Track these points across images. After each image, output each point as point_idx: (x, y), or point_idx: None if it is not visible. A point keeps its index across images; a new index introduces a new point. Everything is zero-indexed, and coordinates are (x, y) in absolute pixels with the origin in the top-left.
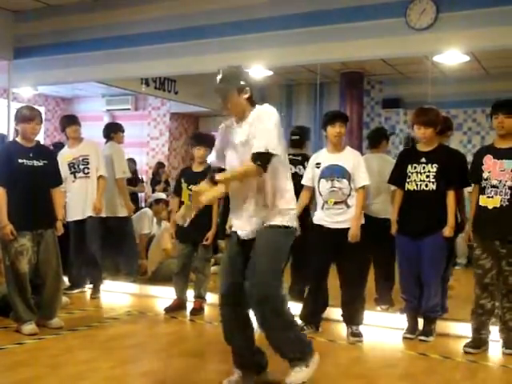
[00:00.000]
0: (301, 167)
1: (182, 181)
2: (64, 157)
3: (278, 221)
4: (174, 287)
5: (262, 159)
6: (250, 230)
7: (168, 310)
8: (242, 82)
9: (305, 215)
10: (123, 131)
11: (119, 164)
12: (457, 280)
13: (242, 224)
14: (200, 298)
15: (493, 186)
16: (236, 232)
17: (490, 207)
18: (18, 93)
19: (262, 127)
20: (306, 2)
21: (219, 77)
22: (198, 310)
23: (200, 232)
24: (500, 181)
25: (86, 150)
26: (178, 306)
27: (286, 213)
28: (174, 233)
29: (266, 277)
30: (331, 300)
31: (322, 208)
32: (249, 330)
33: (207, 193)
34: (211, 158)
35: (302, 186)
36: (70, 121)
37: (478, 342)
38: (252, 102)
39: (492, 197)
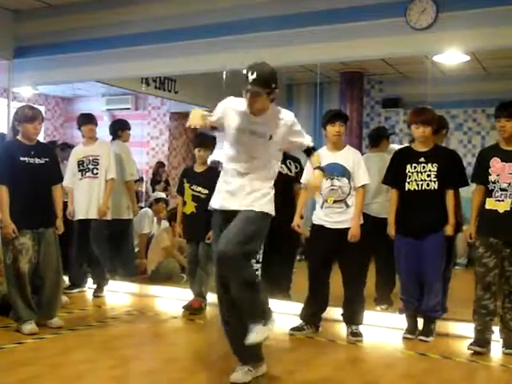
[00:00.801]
0: (283, 166)
1: (185, 181)
2: (76, 154)
3: (262, 206)
4: (190, 287)
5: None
6: (238, 203)
7: (187, 307)
8: (273, 85)
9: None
10: (130, 129)
11: (128, 166)
12: (457, 280)
13: (233, 200)
14: (200, 296)
15: (502, 190)
16: (220, 210)
17: (501, 211)
18: (18, 92)
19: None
20: (305, 1)
21: (253, 77)
22: (197, 309)
23: (202, 231)
24: (509, 184)
25: (97, 150)
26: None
27: (268, 198)
28: (181, 232)
29: (235, 239)
30: (331, 300)
31: (322, 207)
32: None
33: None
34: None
35: (286, 183)
36: (85, 120)
37: (483, 342)
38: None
39: (502, 200)
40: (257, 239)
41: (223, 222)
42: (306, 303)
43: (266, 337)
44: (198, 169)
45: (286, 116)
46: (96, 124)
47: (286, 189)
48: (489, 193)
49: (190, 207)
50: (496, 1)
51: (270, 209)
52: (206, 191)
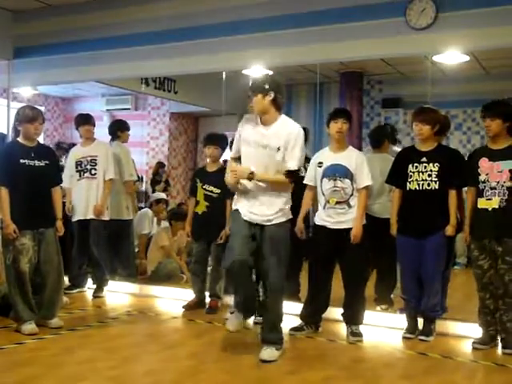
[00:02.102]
0: None
1: (197, 181)
2: (74, 154)
3: (284, 217)
4: (192, 286)
5: (294, 176)
6: (266, 216)
7: (186, 307)
8: (266, 87)
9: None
10: (129, 129)
11: (127, 166)
12: (456, 280)
13: (258, 210)
14: (215, 296)
15: (492, 188)
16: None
17: (490, 209)
18: (18, 92)
19: (296, 148)
20: (305, 1)
21: (249, 84)
22: (213, 310)
23: (213, 231)
24: (498, 182)
25: (95, 150)
26: (196, 305)
27: (288, 208)
28: (189, 232)
29: (279, 277)
30: (331, 300)
31: (324, 208)
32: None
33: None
34: (231, 153)
35: (296, 184)
36: (83, 120)
37: (487, 339)
38: (277, 106)
39: (491, 198)
40: (287, 252)
41: (246, 227)
42: (307, 303)
43: (275, 359)
44: (210, 168)
45: (293, 128)
46: (94, 124)
47: (297, 190)
48: (480, 193)
49: (202, 206)
50: (496, 1)
51: (287, 215)
52: (218, 190)
